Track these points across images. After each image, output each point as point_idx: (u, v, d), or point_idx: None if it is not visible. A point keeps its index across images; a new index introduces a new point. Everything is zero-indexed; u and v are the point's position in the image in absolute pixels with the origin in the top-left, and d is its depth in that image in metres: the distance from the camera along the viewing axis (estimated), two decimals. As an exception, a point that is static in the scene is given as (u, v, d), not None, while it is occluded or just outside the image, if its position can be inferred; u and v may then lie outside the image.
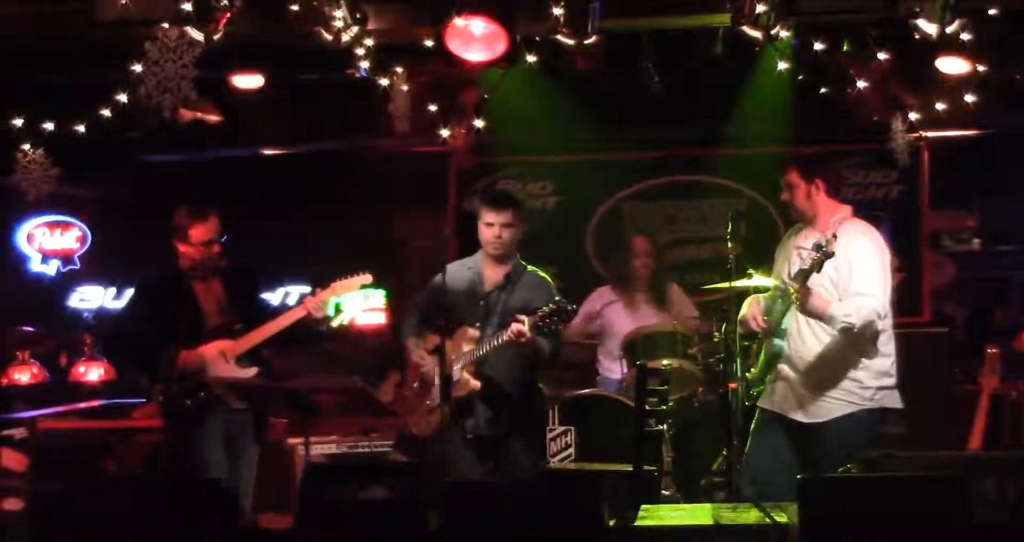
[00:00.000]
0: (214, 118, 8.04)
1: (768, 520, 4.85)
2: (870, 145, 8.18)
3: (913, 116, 7.08)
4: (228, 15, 6.08)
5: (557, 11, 6.23)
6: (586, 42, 6.32)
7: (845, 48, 6.83)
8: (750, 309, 5.90)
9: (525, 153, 9.50)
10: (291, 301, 9.21)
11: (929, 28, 6.00)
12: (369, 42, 6.62)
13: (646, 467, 6.30)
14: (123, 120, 6.91)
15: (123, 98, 6.72)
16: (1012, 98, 7.64)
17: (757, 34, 6.09)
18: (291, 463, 7.52)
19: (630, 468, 6.17)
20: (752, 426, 6.00)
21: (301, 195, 9.40)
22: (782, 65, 6.82)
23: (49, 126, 7.06)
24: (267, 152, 9.64)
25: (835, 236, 5.47)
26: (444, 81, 7.07)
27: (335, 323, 8.99)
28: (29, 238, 10.06)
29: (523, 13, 6.43)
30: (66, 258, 10.10)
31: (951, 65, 6.70)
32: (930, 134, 7.52)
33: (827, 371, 5.74)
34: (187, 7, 5.97)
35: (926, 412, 7.05)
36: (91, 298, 10.06)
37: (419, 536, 4.64)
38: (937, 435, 7.23)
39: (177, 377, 6.30)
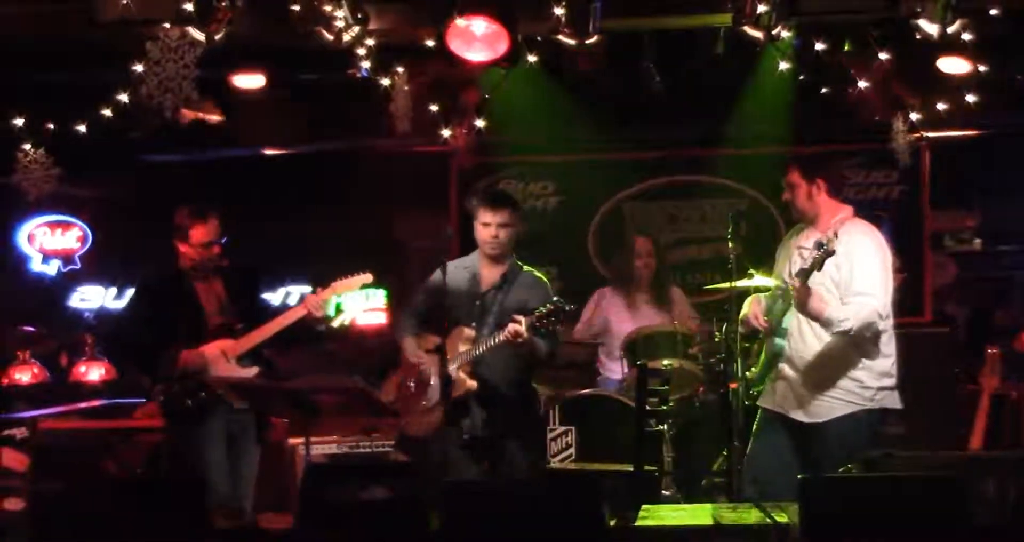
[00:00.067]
0: (215, 118, 8.04)
1: (769, 520, 4.85)
2: (871, 145, 8.18)
3: (914, 116, 7.07)
4: (229, 15, 6.08)
5: (558, 11, 6.23)
6: (587, 42, 6.33)
7: (846, 48, 6.83)
8: (751, 308, 5.90)
9: (526, 153, 9.51)
10: (292, 301, 9.21)
11: (930, 28, 6.00)
12: (370, 42, 6.62)
13: (647, 467, 6.31)
14: (124, 120, 6.91)
15: (124, 98, 6.72)
16: (1013, 98, 7.65)
17: (758, 34, 6.09)
18: (292, 463, 7.52)
19: (631, 468, 6.18)
20: (754, 426, 6.01)
21: (302, 195, 9.40)
22: (783, 65, 6.83)
23: (50, 126, 7.07)
24: (268, 152, 9.64)
25: (836, 234, 5.48)
26: (445, 81, 7.06)
27: (336, 323, 9.02)
28: (30, 238, 10.07)
29: (524, 13, 6.43)
30: (67, 258, 10.10)
31: (952, 65, 6.70)
32: (931, 134, 7.51)
33: (827, 371, 5.74)
34: (188, 7, 5.97)
35: (926, 412, 7.05)
36: (92, 298, 10.07)
37: (420, 536, 4.64)
38: (937, 435, 7.23)
39: (178, 377, 6.30)
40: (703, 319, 7.73)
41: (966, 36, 6.34)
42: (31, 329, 9.07)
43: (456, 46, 6.40)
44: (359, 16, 6.34)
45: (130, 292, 7.43)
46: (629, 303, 7.82)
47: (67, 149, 7.02)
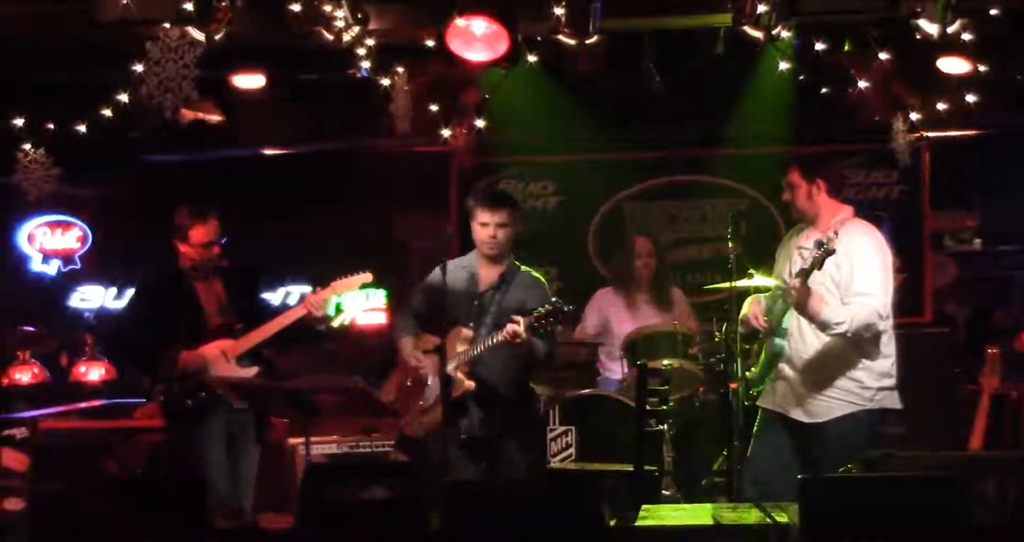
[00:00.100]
0: (215, 118, 8.04)
1: (769, 520, 4.85)
2: (871, 145, 8.18)
3: (914, 116, 7.07)
4: (229, 15, 6.08)
5: (558, 11, 6.23)
6: (587, 42, 6.33)
7: (846, 48, 6.83)
8: (751, 308, 5.90)
9: (526, 153, 9.51)
10: (292, 301, 9.21)
11: (930, 28, 6.00)
12: (370, 42, 6.62)
13: (647, 467, 6.31)
14: (124, 120, 6.91)
15: (124, 98, 6.72)
16: (1013, 98, 7.65)
17: (758, 34, 6.09)
18: (292, 463, 7.52)
19: (631, 468, 6.18)
20: (755, 426, 6.01)
21: (301, 195, 9.40)
22: (783, 65, 6.83)
23: (50, 126, 7.07)
24: (267, 152, 9.64)
25: (836, 234, 5.48)
26: (445, 81, 7.06)
27: (336, 323, 9.01)
28: (30, 238, 10.06)
29: (524, 13, 6.43)
30: (67, 258, 10.10)
31: (952, 65, 6.70)
32: (931, 134, 7.52)
33: (827, 371, 5.74)
34: (188, 7, 5.97)
35: (926, 412, 7.05)
36: (92, 298, 10.06)
37: (420, 536, 4.64)
38: (937, 435, 7.23)
39: (178, 377, 6.30)
40: (703, 319, 7.73)
41: (966, 36, 6.34)
42: (31, 329, 9.06)
43: (456, 46, 6.40)
44: (359, 16, 6.34)
45: (130, 292, 7.43)
46: (629, 303, 7.82)
47: (67, 149, 7.02)
